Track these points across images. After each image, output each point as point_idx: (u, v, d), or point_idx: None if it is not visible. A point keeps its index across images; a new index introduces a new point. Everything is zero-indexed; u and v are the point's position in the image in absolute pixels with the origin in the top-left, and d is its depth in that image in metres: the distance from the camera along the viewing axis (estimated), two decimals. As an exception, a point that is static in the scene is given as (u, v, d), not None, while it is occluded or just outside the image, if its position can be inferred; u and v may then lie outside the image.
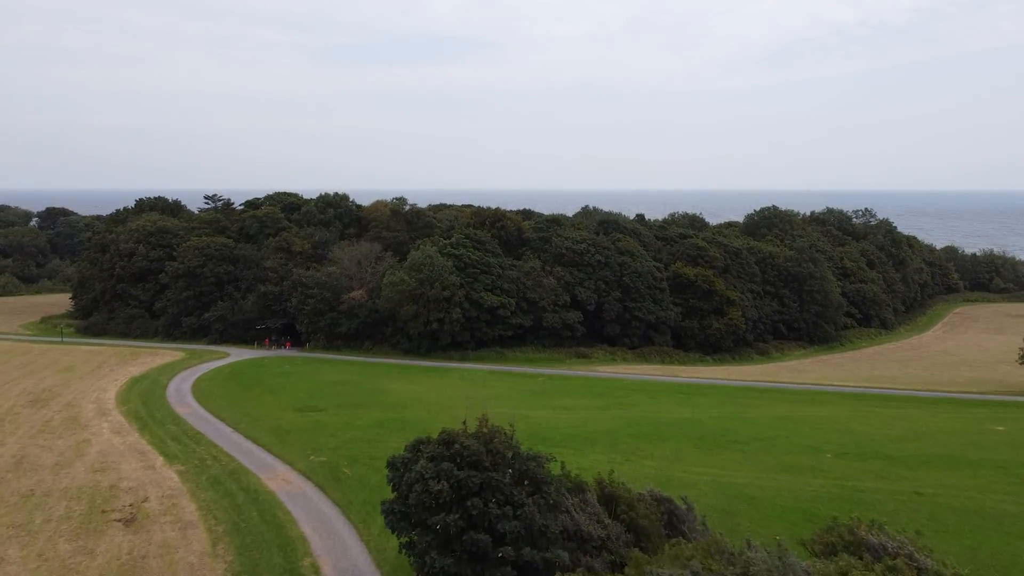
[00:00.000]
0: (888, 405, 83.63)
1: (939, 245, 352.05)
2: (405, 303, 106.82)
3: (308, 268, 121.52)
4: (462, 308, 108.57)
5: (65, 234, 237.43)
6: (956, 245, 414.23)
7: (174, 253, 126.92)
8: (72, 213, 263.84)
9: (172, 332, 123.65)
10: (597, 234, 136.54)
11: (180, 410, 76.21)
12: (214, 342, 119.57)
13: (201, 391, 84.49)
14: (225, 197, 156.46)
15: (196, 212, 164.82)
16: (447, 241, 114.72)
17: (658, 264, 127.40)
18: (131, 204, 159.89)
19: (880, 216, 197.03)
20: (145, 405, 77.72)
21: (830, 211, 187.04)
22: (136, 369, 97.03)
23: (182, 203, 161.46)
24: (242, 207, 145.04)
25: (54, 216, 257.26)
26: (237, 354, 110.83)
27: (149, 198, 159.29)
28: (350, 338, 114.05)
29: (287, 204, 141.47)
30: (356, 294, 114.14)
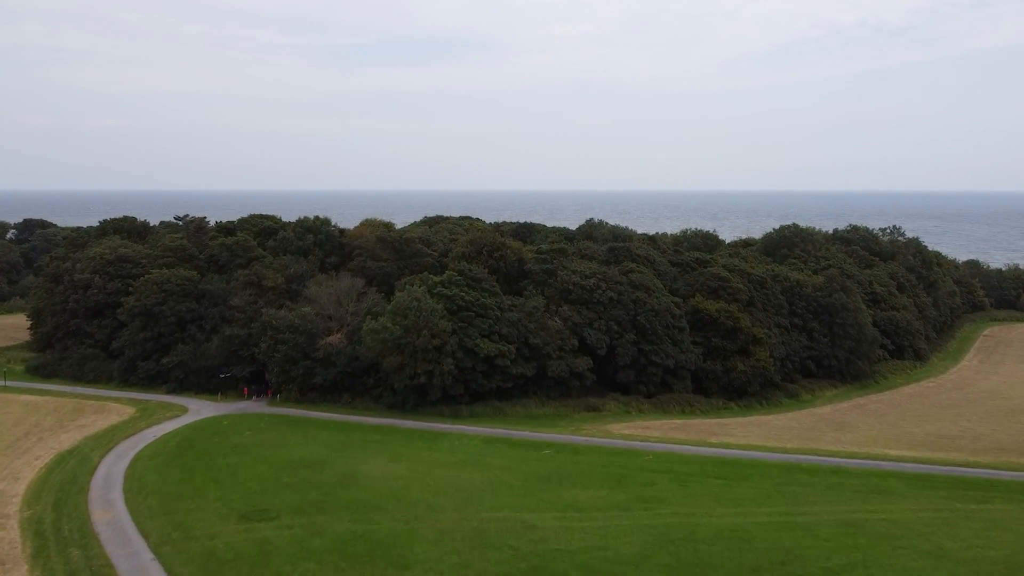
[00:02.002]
0: (969, 498, 67.31)
1: (949, 251, 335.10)
2: (388, 353, 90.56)
3: (281, 306, 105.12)
4: (454, 358, 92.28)
5: (41, 248, 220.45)
6: (967, 250, 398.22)
7: (132, 286, 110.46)
8: (51, 224, 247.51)
9: (128, 378, 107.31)
10: (607, 263, 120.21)
11: (98, 517, 59.92)
12: (173, 391, 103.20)
13: (135, 480, 68.17)
14: (199, 216, 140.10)
15: (168, 229, 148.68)
16: (437, 279, 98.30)
17: (676, 299, 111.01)
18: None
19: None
20: (58, 506, 61.48)
21: (854, 228, 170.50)
22: (69, 438, 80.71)
23: (150, 224, 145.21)
24: (215, 232, 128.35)
25: (32, 227, 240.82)
26: (196, 409, 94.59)
27: (114, 219, 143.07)
28: (326, 390, 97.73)
29: (263, 229, 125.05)
30: (333, 339, 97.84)
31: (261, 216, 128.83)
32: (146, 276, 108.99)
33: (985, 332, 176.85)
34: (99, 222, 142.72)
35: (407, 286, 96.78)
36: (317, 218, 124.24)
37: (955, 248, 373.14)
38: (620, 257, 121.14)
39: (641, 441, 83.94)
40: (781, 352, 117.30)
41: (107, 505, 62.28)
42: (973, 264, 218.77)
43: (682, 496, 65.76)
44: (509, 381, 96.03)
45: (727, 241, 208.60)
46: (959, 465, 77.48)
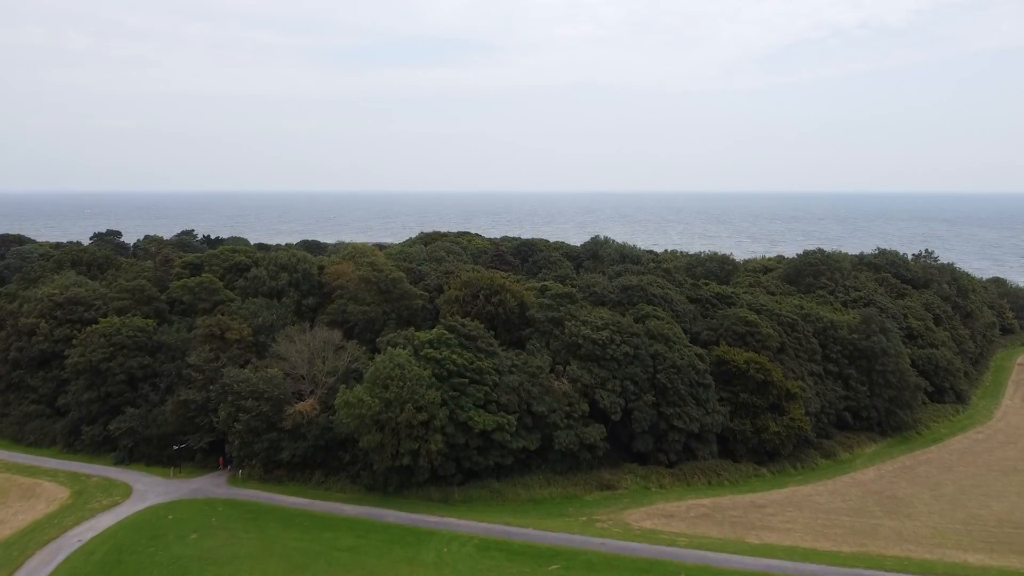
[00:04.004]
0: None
1: (964, 258, 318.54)
2: (366, 431, 75.16)
3: (246, 362, 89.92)
4: (444, 434, 76.94)
5: (15, 267, 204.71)
6: (979, 257, 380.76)
7: (77, 337, 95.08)
8: (29, 240, 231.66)
9: (72, 443, 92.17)
10: (620, 304, 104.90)
11: None
12: (121, 461, 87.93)
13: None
14: (170, 240, 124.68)
15: (142, 249, 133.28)
16: (425, 338, 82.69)
17: (699, 351, 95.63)
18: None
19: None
20: None
21: (882, 253, 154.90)
22: (-25, 545, 65.48)
23: (125, 244, 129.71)
24: (180, 268, 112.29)
25: (8, 244, 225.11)
26: (142, 491, 79.31)
27: (75, 247, 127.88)
28: (295, 467, 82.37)
29: (233, 265, 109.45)
30: (304, 406, 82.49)
31: (232, 250, 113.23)
32: (92, 327, 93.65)
33: (1020, 360, 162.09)
34: (55, 248, 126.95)
35: (388, 347, 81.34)
36: (293, 254, 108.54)
37: (969, 255, 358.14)
38: (634, 298, 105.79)
39: (667, 545, 68.34)
40: (816, 405, 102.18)
41: None
42: (999, 283, 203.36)
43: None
44: (509, 457, 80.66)
45: (742, 260, 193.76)
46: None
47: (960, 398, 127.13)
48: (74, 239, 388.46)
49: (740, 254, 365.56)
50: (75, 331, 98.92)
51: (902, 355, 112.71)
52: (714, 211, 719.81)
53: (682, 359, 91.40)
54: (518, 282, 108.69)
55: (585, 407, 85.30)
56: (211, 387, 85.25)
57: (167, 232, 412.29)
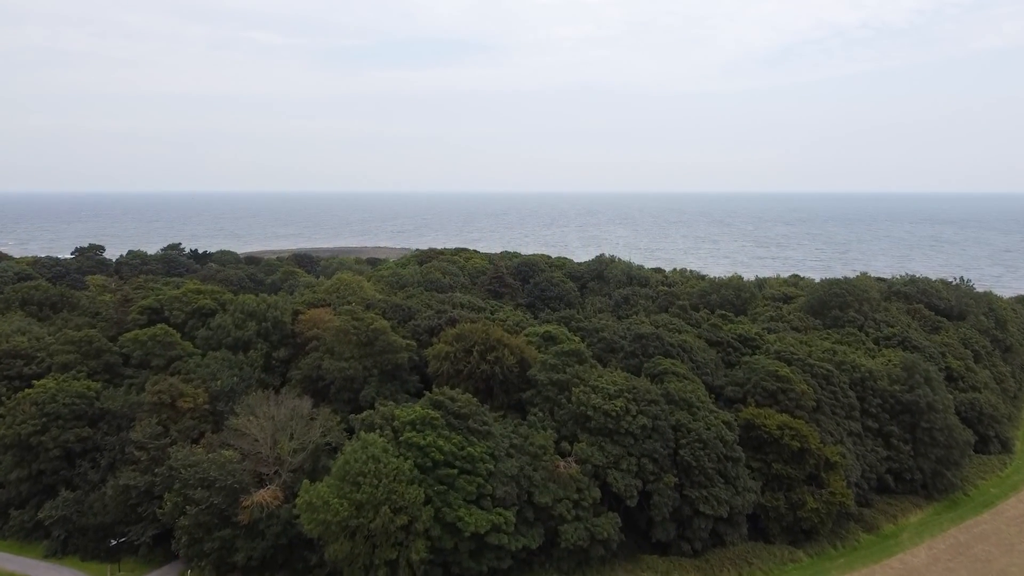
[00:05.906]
0: None
1: (978, 265, 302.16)
2: (332, 539, 61.31)
3: (200, 435, 76.04)
4: (429, 538, 63.13)
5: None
6: (992, 262, 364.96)
7: (4, 405, 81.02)
8: (7, 256, 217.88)
9: (0, 527, 78.45)
10: (633, 356, 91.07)
11: None
12: (53, 553, 73.95)
13: None
14: (154, 255, 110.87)
15: (120, 274, 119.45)
16: (407, 419, 68.41)
17: (727, 418, 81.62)
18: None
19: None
20: None
21: (913, 281, 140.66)
22: None
23: (108, 260, 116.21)
24: (137, 313, 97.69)
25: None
26: (70, 601, 65.71)
27: (31, 283, 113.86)
28: (252, 570, 68.52)
29: (195, 310, 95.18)
30: (264, 496, 68.56)
31: (198, 292, 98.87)
32: (23, 393, 79.63)
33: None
34: (11, 281, 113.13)
35: (363, 431, 67.30)
36: (263, 299, 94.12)
37: (981, 261, 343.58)
38: (649, 349, 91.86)
39: None
40: (856, 472, 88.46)
41: None
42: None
43: None
44: (507, 559, 66.75)
45: (754, 277, 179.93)
46: None
47: (1005, 447, 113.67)
48: (65, 244, 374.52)
49: (746, 260, 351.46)
50: (11, 390, 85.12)
51: (949, 408, 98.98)
52: (716, 213, 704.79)
53: (708, 429, 77.44)
54: (517, 328, 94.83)
55: (596, 493, 71.36)
56: (156, 469, 71.39)
57: (158, 239, 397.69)
